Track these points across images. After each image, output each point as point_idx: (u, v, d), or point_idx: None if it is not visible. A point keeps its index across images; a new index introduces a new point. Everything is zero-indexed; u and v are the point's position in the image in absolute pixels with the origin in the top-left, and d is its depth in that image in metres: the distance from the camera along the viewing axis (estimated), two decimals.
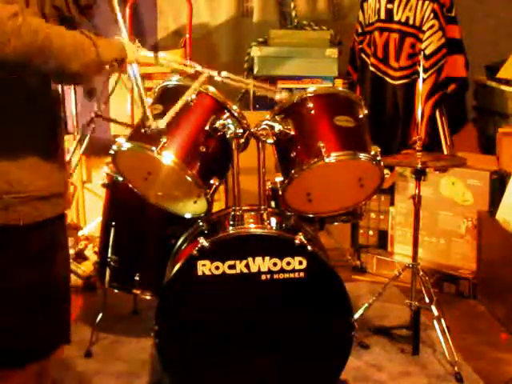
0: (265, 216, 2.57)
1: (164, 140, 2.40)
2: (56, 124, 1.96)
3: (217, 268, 2.40)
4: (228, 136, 2.48)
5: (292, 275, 2.42)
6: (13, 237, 1.80)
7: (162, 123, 2.07)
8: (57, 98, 1.91)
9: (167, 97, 2.61)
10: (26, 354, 1.90)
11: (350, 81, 4.17)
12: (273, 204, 2.77)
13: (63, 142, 1.92)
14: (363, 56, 4.08)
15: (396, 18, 3.89)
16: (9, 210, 1.77)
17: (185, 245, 2.67)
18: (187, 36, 3.90)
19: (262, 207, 2.57)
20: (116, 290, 3.03)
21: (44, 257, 1.87)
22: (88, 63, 1.76)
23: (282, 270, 2.42)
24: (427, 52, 3.80)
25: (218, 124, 2.48)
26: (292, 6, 4.40)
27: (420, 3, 3.82)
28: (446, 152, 3.89)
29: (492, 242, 3.48)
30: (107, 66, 1.83)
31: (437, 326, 2.88)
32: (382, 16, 3.93)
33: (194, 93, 2.42)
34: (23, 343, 1.88)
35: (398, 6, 3.88)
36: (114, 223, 2.99)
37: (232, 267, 2.41)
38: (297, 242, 2.40)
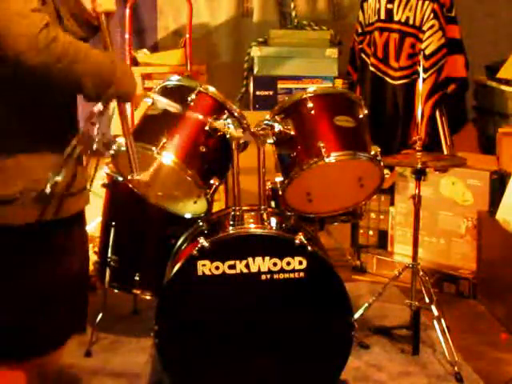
0: (265, 216, 2.57)
1: (164, 140, 2.41)
2: (74, 121, 1.97)
3: (217, 268, 2.40)
4: (228, 136, 2.48)
5: (292, 275, 2.42)
6: (32, 235, 1.82)
7: (145, 175, 2.15)
8: (74, 97, 1.93)
9: (167, 97, 2.60)
10: (26, 350, 1.91)
11: (350, 81, 4.17)
12: (273, 204, 2.77)
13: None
14: (363, 56, 4.08)
15: (396, 18, 3.89)
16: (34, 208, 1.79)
17: (185, 245, 2.67)
18: (187, 36, 3.90)
19: (262, 207, 2.57)
20: (116, 290, 3.03)
21: (61, 254, 1.89)
22: (99, 92, 1.78)
23: (282, 270, 2.42)
24: (427, 52, 3.80)
25: (217, 124, 2.48)
26: (292, 6, 4.40)
27: (420, 3, 3.82)
28: (445, 152, 3.89)
29: (492, 242, 3.48)
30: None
31: (437, 326, 2.88)
32: (382, 16, 3.93)
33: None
34: (24, 339, 1.89)
35: (398, 6, 3.88)
36: (113, 223, 2.99)
37: (232, 267, 2.41)
38: (297, 242, 2.40)
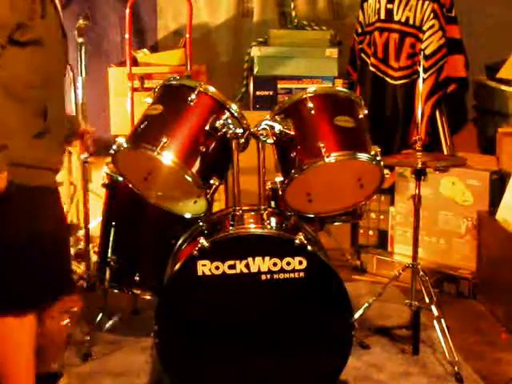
0: (265, 216, 2.57)
1: (164, 140, 2.41)
2: None
3: (217, 268, 2.40)
4: (228, 136, 2.48)
5: (292, 275, 2.42)
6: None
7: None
8: None
9: (167, 97, 2.61)
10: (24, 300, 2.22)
11: (350, 81, 4.17)
12: (273, 204, 2.77)
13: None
14: (363, 56, 4.08)
15: (396, 18, 3.89)
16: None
17: (185, 245, 2.67)
18: (187, 36, 3.90)
19: (262, 207, 2.57)
20: (116, 290, 3.03)
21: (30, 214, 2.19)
22: None
23: (282, 270, 2.42)
24: (427, 52, 3.80)
25: (217, 124, 2.48)
26: (292, 6, 4.41)
27: (420, 3, 3.83)
28: (445, 152, 3.89)
29: (492, 242, 3.48)
30: None
31: (437, 326, 2.88)
32: (382, 16, 3.93)
33: None
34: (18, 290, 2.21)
35: (398, 6, 3.88)
36: (114, 223, 2.99)
37: (232, 267, 2.41)
38: (297, 242, 2.40)
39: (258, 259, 2.41)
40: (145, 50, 4.28)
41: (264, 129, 2.51)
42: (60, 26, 2.26)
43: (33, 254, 2.20)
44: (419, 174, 2.93)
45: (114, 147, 2.50)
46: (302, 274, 2.42)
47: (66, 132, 2.38)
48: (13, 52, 2.08)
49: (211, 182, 2.50)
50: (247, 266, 2.41)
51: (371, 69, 4.02)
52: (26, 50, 2.10)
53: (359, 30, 4.12)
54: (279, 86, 4.08)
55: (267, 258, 2.41)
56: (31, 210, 2.19)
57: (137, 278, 2.94)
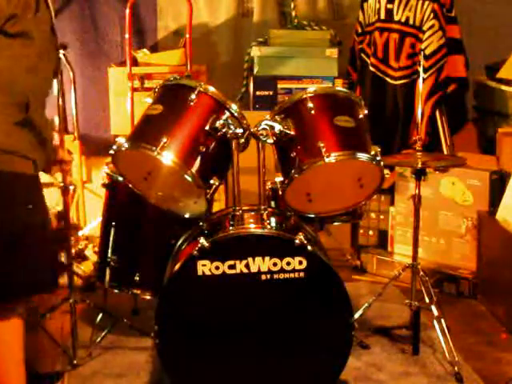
0: (265, 216, 2.57)
1: (164, 140, 2.41)
2: None
3: (217, 268, 2.40)
4: (228, 136, 2.48)
5: (292, 275, 2.42)
6: None
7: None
8: None
9: (167, 97, 2.61)
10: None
11: (350, 81, 4.17)
12: (273, 204, 2.77)
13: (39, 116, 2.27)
14: (363, 56, 4.08)
15: (396, 18, 3.89)
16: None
17: (185, 245, 2.67)
18: (187, 36, 3.90)
19: (262, 207, 2.57)
20: (116, 290, 3.03)
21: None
22: None
23: (282, 270, 2.42)
24: (427, 52, 3.80)
25: (217, 124, 2.48)
26: (292, 5, 4.40)
27: (420, 3, 3.82)
28: (445, 152, 3.89)
29: (492, 242, 3.48)
30: None
31: (437, 326, 2.88)
32: (382, 16, 3.93)
33: None
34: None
35: (398, 6, 3.88)
36: (114, 223, 2.99)
37: (232, 267, 2.41)
38: (297, 242, 2.40)
39: (258, 259, 2.41)
40: (145, 50, 4.28)
41: (264, 129, 2.51)
42: (51, 24, 2.25)
43: (5, 245, 2.16)
44: (419, 174, 2.93)
45: (114, 147, 2.50)
46: (301, 274, 2.42)
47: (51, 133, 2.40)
48: (1, 43, 2.09)
49: (211, 181, 2.50)
50: (247, 266, 2.41)
51: (371, 69, 4.02)
52: (14, 43, 2.11)
53: (359, 30, 4.12)
54: (279, 85, 4.08)
55: (267, 258, 2.41)
56: (4, 196, 2.16)
57: (137, 278, 2.94)
